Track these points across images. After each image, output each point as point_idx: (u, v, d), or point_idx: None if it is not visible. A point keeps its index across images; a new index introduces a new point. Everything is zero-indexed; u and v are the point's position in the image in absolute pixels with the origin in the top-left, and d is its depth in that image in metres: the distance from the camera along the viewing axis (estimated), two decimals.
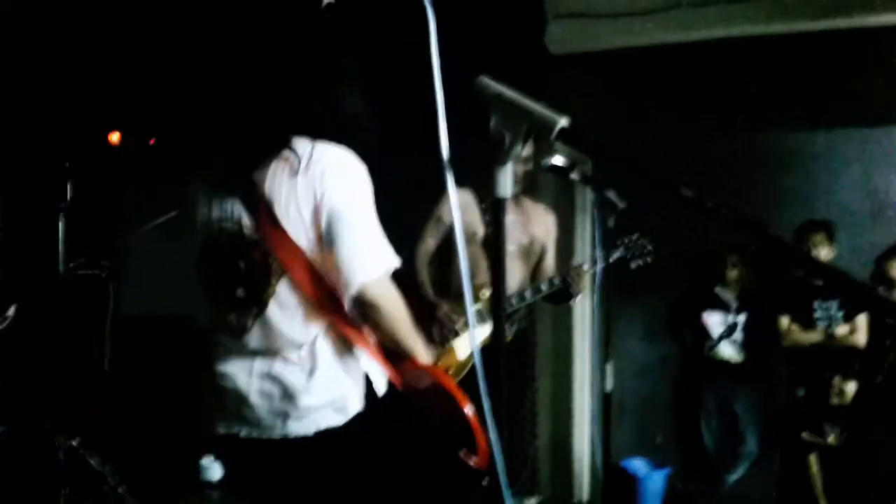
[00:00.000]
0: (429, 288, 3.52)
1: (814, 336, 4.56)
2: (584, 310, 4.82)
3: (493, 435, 1.34)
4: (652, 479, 4.92)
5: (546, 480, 4.97)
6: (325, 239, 1.91)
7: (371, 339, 2.04)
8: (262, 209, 1.95)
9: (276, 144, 1.97)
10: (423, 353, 2.08)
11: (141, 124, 4.84)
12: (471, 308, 1.40)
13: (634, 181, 1.09)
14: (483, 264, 3.47)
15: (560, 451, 4.95)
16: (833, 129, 5.04)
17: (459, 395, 2.00)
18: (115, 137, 4.92)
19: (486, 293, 3.40)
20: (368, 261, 1.92)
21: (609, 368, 3.50)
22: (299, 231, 1.93)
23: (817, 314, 4.59)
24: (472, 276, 3.47)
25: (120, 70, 4.48)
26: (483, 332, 3.34)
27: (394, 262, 2.00)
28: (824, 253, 4.50)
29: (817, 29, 4.45)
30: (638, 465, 5.01)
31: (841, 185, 5.06)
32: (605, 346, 3.54)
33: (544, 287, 3.51)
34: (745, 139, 5.05)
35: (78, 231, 3.94)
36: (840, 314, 4.56)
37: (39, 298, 3.84)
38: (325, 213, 1.91)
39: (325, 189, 1.91)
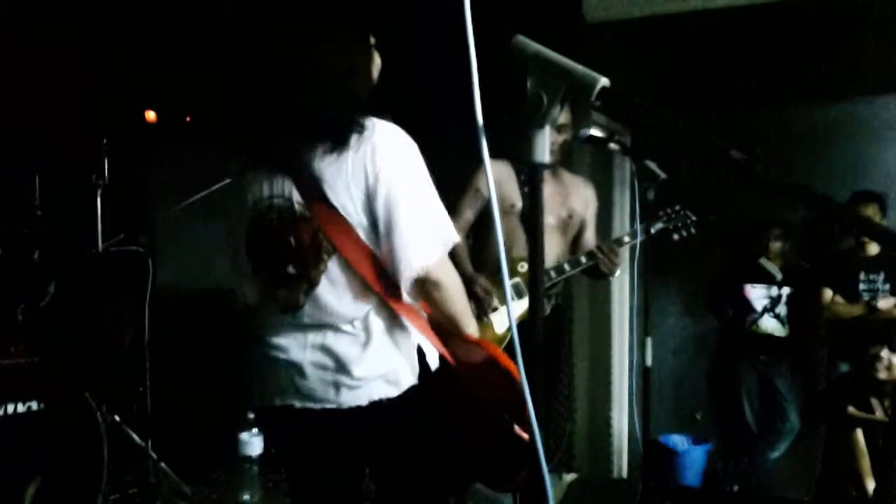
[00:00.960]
0: (466, 261, 3.48)
1: (856, 309, 4.48)
2: (622, 284, 4.76)
3: (531, 411, 1.31)
4: (692, 454, 4.88)
5: (584, 456, 4.94)
6: (384, 220, 1.88)
7: (422, 315, 2.03)
8: (312, 186, 1.92)
9: (328, 124, 1.93)
10: (475, 329, 2.07)
11: (177, 102, 4.85)
12: (507, 282, 1.36)
13: (680, 147, 1.04)
14: (521, 237, 3.42)
15: (598, 427, 4.91)
16: (879, 98, 4.90)
17: (514, 369, 1.98)
18: (151, 115, 4.94)
19: (525, 267, 3.35)
20: (431, 241, 1.91)
21: (648, 343, 3.46)
22: (349, 209, 1.90)
23: (862, 286, 4.51)
24: (510, 249, 3.43)
25: (157, 47, 4.49)
26: (521, 306, 3.31)
27: (455, 238, 1.98)
28: None
29: None
30: (677, 440, 4.97)
31: (887, 156, 4.93)
32: (645, 321, 3.49)
33: (584, 260, 3.46)
34: (788, 109, 4.93)
35: (116, 208, 3.97)
36: (886, 287, 4.47)
37: (79, 275, 3.88)
38: (381, 194, 1.87)
39: (378, 169, 1.87)
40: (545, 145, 1.17)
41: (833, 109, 4.96)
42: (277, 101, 1.97)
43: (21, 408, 3.24)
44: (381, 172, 1.87)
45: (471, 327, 2.06)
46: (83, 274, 3.96)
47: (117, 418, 3.84)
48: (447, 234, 1.96)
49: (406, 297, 1.98)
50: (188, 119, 4.99)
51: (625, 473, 4.93)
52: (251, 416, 3.88)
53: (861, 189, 4.55)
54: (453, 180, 3.45)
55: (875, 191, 4.53)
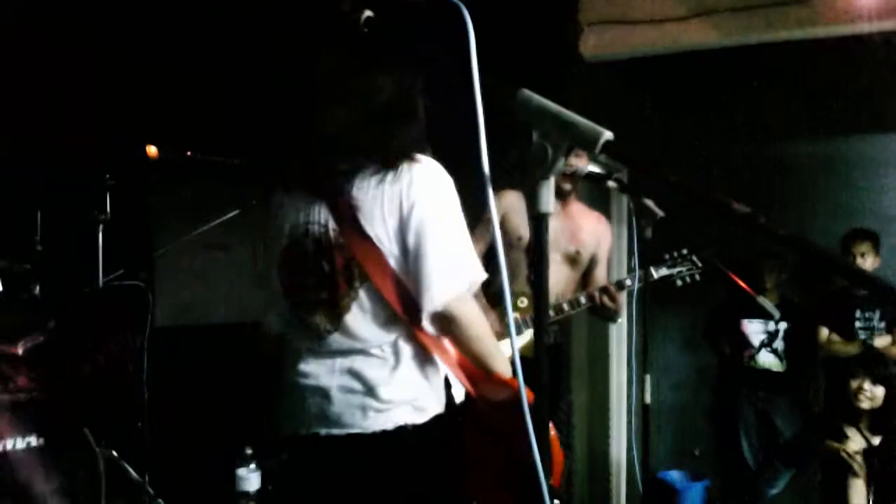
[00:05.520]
0: (479, 294, 3.44)
1: (852, 348, 4.50)
2: (621, 321, 4.76)
3: (533, 446, 1.32)
4: (691, 491, 4.86)
5: (583, 493, 4.92)
6: (412, 251, 1.91)
7: (450, 350, 2.03)
8: (348, 214, 1.95)
9: (368, 156, 1.95)
10: (505, 369, 2.06)
11: (179, 136, 4.88)
12: (511, 315, 1.37)
13: (677, 195, 1.06)
14: (524, 270, 3.42)
15: (597, 463, 4.90)
16: (872, 136, 4.95)
17: None
18: (153, 150, 4.95)
19: (525, 302, 3.35)
20: (454, 277, 1.92)
21: (647, 381, 3.46)
22: (383, 239, 1.93)
23: (859, 324, 4.52)
24: (512, 283, 3.40)
25: (161, 82, 4.52)
26: (519, 341, 3.29)
27: (480, 275, 1.99)
28: (870, 262, 4.45)
29: (850, 33, 4.37)
30: (676, 476, 4.95)
31: (880, 193, 4.97)
32: (643, 358, 3.49)
33: (583, 300, 3.44)
34: (782, 146, 4.98)
35: (117, 243, 3.97)
36: (882, 324, 4.49)
37: (79, 311, 3.88)
38: (413, 225, 1.90)
39: (413, 201, 1.90)
40: (551, 195, 1.20)
41: (829, 146, 5.01)
42: (323, 124, 1.99)
43: (21, 443, 3.23)
44: (415, 204, 1.90)
45: (500, 367, 2.05)
46: (83, 309, 3.95)
47: (115, 454, 3.82)
48: (473, 272, 1.97)
49: (430, 329, 1.97)
50: (188, 153, 5.00)
51: None
52: (249, 451, 3.87)
53: (856, 227, 4.59)
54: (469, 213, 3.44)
55: (869, 228, 4.56)
